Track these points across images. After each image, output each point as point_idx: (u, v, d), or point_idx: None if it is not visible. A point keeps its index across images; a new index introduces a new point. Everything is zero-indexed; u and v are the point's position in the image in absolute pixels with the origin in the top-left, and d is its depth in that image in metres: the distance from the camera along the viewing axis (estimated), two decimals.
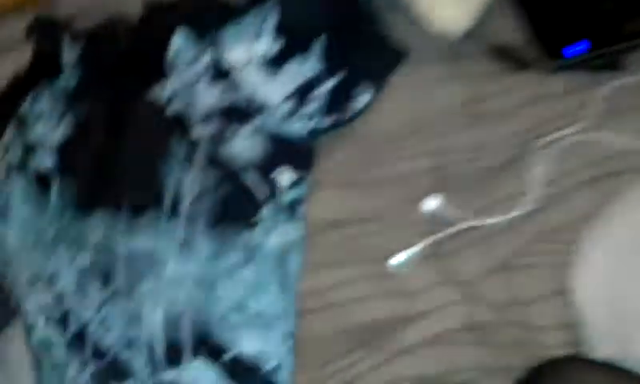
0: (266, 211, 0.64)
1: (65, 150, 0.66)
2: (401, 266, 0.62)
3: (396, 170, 0.67)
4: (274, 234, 0.63)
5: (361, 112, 0.68)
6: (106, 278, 0.60)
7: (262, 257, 0.63)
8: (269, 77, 0.70)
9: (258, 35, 0.70)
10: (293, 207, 0.65)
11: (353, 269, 0.62)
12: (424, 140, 0.67)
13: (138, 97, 0.68)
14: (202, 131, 0.68)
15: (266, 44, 0.70)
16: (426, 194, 0.65)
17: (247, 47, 0.71)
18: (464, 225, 0.62)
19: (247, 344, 0.59)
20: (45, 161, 0.66)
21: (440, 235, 0.61)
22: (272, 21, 0.70)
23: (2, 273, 0.63)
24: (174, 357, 0.58)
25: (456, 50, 0.69)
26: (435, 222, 0.63)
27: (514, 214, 0.61)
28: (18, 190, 0.64)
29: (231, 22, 0.71)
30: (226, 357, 0.58)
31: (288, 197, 0.65)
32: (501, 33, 0.70)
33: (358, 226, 0.64)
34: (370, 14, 0.72)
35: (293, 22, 0.69)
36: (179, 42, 0.70)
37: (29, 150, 0.66)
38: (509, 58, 0.69)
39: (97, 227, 0.63)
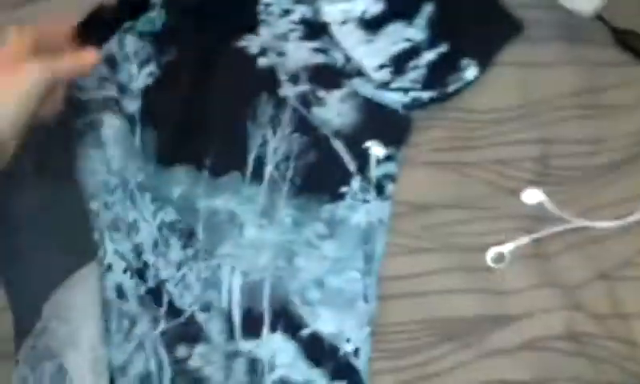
0: (354, 184, 0.60)
1: (149, 97, 0.63)
2: (495, 261, 0.58)
3: (495, 155, 0.61)
4: (360, 211, 0.59)
5: (463, 88, 0.62)
6: (189, 238, 0.58)
7: (345, 232, 0.59)
8: (366, 38, 0.65)
9: None
10: (381, 184, 0.61)
11: (440, 258, 0.58)
12: (530, 127, 0.61)
13: (228, 45, 0.64)
14: (290, 90, 0.64)
15: (367, 3, 0.66)
16: (528, 185, 0.60)
17: (345, 4, 0.66)
18: (572, 224, 0.57)
19: (325, 322, 0.56)
20: (130, 105, 0.63)
21: (544, 232, 0.57)
22: None
23: (88, 203, 0.60)
24: (252, 326, 0.56)
25: (577, 31, 0.63)
26: (536, 217, 0.59)
27: (629, 219, 0.56)
28: (110, 127, 0.61)
29: None
30: (304, 332, 0.56)
31: (377, 172, 0.61)
32: (629, 18, 0.63)
33: (448, 212, 0.60)
34: None
35: None
36: None
37: (122, 89, 0.63)
38: (635, 46, 0.63)
39: (178, 182, 0.60)
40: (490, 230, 0.58)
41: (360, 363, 0.55)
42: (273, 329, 0.56)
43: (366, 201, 0.60)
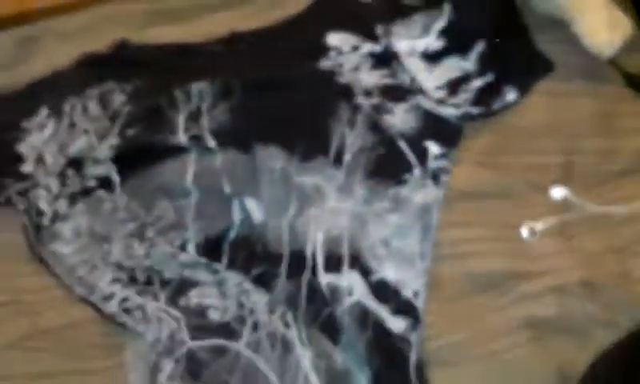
0: (414, 173, 0.76)
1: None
2: (527, 234, 0.72)
3: (527, 160, 0.77)
4: (419, 193, 0.75)
5: (505, 107, 0.80)
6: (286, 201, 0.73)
7: (407, 208, 0.74)
8: (428, 68, 0.83)
9: (425, 32, 0.84)
10: (437, 175, 0.77)
11: (482, 230, 0.73)
12: (556, 140, 0.78)
13: (310, 67, 0.82)
14: (365, 101, 0.81)
15: (429, 40, 0.84)
16: (554, 183, 0.75)
17: (412, 41, 0.85)
18: (592, 210, 0.72)
19: (390, 272, 0.70)
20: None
21: (568, 215, 0.72)
22: (440, 23, 0.84)
23: None
24: (333, 265, 0.69)
25: (595, 72, 0.81)
26: (562, 206, 0.73)
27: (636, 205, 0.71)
28: None
29: (402, 18, 0.85)
30: (373, 277, 0.70)
31: (434, 165, 0.77)
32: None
33: (489, 198, 0.75)
34: (527, 28, 0.85)
35: (458, 28, 0.83)
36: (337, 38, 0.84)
37: None
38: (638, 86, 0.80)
39: (275, 159, 0.77)
40: (523, 214, 0.73)
41: (418, 302, 0.69)
42: (351, 267, 0.69)
43: (424, 186, 0.76)
